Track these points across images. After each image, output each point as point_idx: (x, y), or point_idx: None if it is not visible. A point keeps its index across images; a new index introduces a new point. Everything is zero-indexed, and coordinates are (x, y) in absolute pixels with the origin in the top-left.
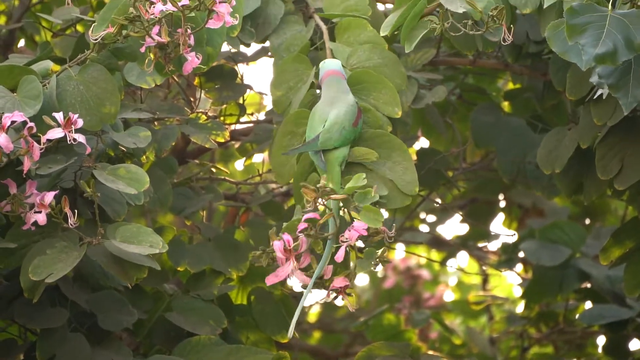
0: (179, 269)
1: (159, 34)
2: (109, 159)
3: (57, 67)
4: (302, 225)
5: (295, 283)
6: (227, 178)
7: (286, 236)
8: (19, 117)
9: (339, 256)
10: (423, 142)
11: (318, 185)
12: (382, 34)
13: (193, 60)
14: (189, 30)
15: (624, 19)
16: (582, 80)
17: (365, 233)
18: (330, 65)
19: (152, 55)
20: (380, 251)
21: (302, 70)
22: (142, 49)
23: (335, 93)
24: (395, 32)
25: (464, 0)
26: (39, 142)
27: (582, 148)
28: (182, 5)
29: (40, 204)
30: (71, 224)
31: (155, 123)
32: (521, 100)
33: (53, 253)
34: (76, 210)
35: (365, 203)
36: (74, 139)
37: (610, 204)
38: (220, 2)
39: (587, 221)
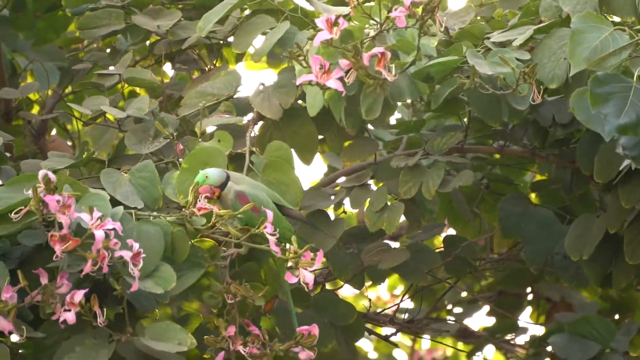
0: (205, 356)
1: None
2: None
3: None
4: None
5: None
6: None
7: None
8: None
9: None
10: (450, 232)
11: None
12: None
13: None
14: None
15: None
16: (609, 163)
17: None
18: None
19: None
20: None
21: None
22: None
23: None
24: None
25: (496, 63)
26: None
27: (610, 235)
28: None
29: (70, 302)
30: (100, 323)
31: None
32: (549, 192)
33: (82, 350)
34: (104, 307)
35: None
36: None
37: (639, 299)
38: None
39: (617, 316)
